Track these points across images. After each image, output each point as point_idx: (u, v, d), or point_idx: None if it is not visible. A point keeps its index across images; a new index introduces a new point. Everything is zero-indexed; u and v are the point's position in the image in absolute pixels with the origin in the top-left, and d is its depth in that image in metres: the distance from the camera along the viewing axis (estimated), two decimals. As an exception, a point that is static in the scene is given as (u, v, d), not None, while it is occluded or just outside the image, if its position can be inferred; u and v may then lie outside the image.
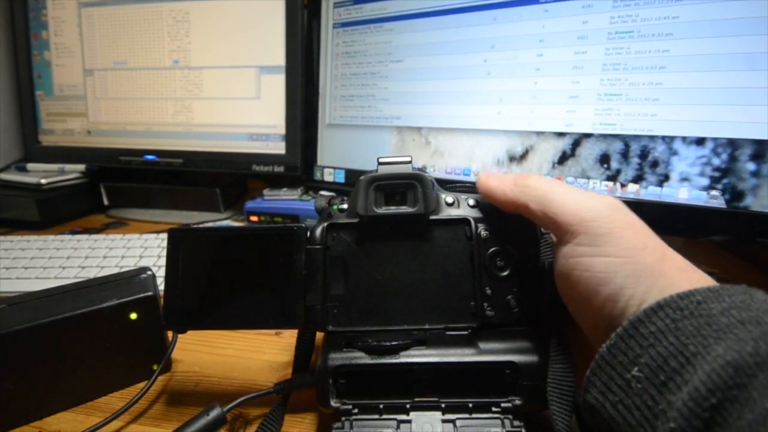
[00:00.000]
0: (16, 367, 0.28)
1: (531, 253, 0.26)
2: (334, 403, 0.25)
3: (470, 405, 0.24)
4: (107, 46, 0.73)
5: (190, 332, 0.29)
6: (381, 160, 0.27)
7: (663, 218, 0.43)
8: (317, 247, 0.26)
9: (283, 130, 0.67)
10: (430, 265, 0.26)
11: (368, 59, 0.60)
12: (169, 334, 0.34)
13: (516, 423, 0.24)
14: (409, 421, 0.24)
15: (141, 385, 0.31)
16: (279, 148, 0.67)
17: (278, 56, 0.66)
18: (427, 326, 0.25)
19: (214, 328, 0.29)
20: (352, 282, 0.26)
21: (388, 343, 0.25)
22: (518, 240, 0.26)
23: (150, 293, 0.32)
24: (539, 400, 0.23)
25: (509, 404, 0.24)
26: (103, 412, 0.30)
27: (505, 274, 0.25)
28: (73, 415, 0.30)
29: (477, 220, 0.26)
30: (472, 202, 0.27)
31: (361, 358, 0.25)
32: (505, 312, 0.25)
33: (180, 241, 0.28)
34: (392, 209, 0.26)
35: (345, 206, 0.27)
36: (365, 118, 0.61)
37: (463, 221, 0.26)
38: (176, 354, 0.35)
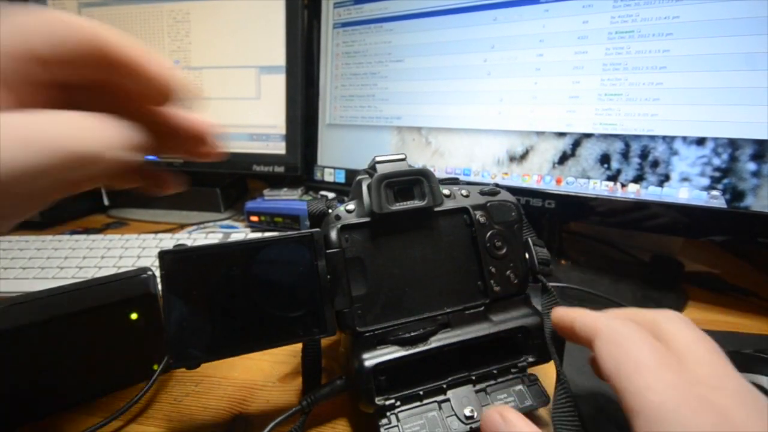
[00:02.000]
0: (15, 366, 0.28)
1: (515, 230, 0.30)
2: (379, 401, 0.25)
3: (495, 371, 0.27)
4: (107, 46, 0.72)
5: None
6: (378, 159, 0.28)
7: (663, 218, 0.43)
8: (336, 250, 0.26)
9: (283, 130, 0.67)
10: (438, 253, 0.28)
11: (368, 59, 0.60)
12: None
13: (531, 377, 0.28)
14: (447, 400, 0.26)
15: (141, 385, 0.31)
16: (279, 148, 0.67)
17: (278, 56, 0.66)
18: (447, 310, 0.27)
19: (234, 354, 0.25)
20: (372, 280, 0.26)
21: (417, 333, 0.26)
22: (504, 221, 0.29)
23: (150, 293, 0.32)
24: (545, 355, 0.28)
25: (524, 362, 0.28)
26: (103, 412, 0.30)
27: (503, 252, 0.29)
28: (74, 415, 0.30)
29: (474, 208, 0.28)
30: (464, 192, 0.30)
31: (396, 351, 0.26)
32: (508, 285, 0.29)
33: (176, 264, 0.24)
34: (405, 204, 0.27)
35: (351, 207, 0.27)
36: (365, 118, 0.61)
37: (463, 210, 0.28)
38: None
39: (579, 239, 0.65)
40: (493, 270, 0.28)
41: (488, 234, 0.28)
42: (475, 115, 0.52)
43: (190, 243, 0.39)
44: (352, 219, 0.27)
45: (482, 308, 0.28)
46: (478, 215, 0.28)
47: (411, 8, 0.55)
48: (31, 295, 0.31)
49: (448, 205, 0.28)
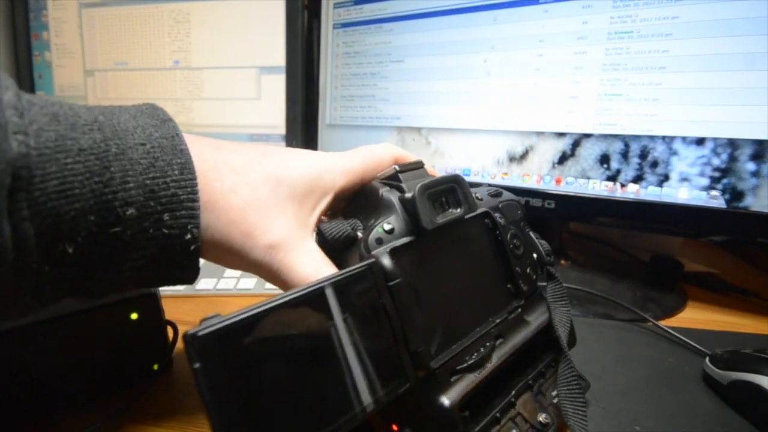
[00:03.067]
0: (15, 366, 0.28)
1: (522, 227, 0.30)
2: None
3: (543, 370, 0.27)
4: (108, 46, 0.73)
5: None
6: (399, 168, 0.26)
7: (663, 218, 0.43)
8: (398, 281, 0.21)
9: (283, 131, 0.67)
10: (472, 262, 0.26)
11: (368, 59, 0.60)
12: (170, 333, 0.34)
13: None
14: (519, 414, 0.24)
15: (141, 385, 0.31)
16: (279, 148, 0.68)
17: (279, 56, 0.66)
18: (497, 320, 0.26)
19: None
20: (426, 306, 0.23)
21: (480, 353, 0.24)
22: (514, 220, 0.29)
23: (151, 292, 0.32)
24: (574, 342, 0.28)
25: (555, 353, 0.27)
26: (103, 412, 0.30)
27: (521, 251, 0.28)
28: (73, 415, 0.30)
29: (493, 211, 0.28)
30: (479, 196, 0.28)
31: (470, 379, 0.23)
32: (531, 282, 0.28)
33: (217, 347, 0.16)
34: (448, 215, 0.24)
35: (389, 226, 0.23)
36: (365, 118, 0.61)
37: (484, 214, 0.27)
38: (177, 354, 0.35)
39: (579, 239, 0.65)
40: (518, 270, 0.27)
41: (509, 235, 0.28)
42: (475, 115, 0.52)
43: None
44: (396, 240, 0.23)
45: (519, 310, 0.27)
46: (498, 217, 0.27)
47: (411, 9, 0.55)
48: (31, 295, 0.31)
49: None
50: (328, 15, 0.64)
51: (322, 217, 0.26)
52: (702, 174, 0.40)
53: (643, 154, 0.43)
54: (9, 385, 0.28)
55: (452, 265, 0.25)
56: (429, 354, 0.22)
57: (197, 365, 0.15)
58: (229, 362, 0.16)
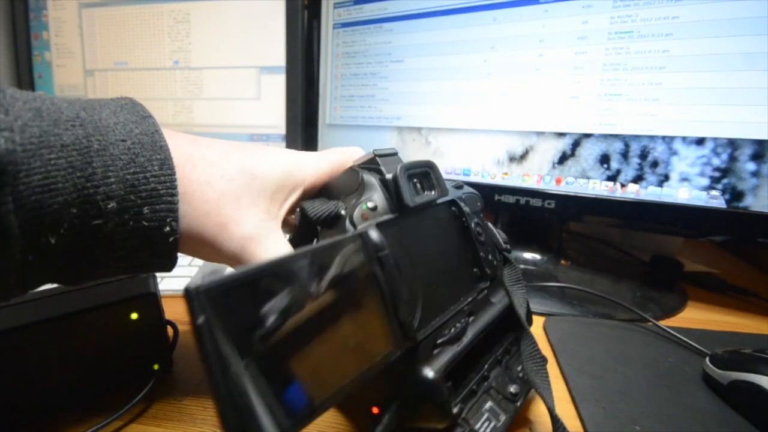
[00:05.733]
0: (15, 366, 0.28)
1: (482, 218, 0.31)
2: (455, 410, 0.23)
3: (508, 347, 0.28)
4: (108, 46, 0.73)
5: (190, 329, 0.28)
6: (378, 152, 0.27)
7: (663, 218, 0.43)
8: (387, 252, 0.22)
9: (283, 131, 0.67)
10: (445, 244, 0.28)
11: (368, 59, 0.60)
12: (170, 333, 0.34)
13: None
14: (492, 386, 0.26)
15: (141, 385, 0.31)
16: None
17: (278, 56, 0.66)
18: (469, 299, 0.28)
19: (330, 405, 0.18)
20: (407, 282, 0.24)
21: (457, 328, 0.26)
22: (475, 211, 0.31)
23: (151, 292, 0.32)
24: (519, 323, 0.29)
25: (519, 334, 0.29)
26: (103, 412, 0.30)
27: (483, 238, 0.30)
28: (74, 415, 0.30)
29: (458, 200, 0.30)
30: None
31: (450, 351, 0.24)
32: (493, 267, 0.30)
33: (223, 303, 0.15)
34: (425, 196, 0.26)
35: (372, 204, 0.24)
36: (365, 118, 0.61)
37: (451, 202, 0.29)
38: (177, 354, 0.35)
39: (579, 239, 0.65)
40: (482, 255, 0.29)
41: (473, 222, 0.30)
42: (475, 115, 0.52)
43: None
44: (381, 216, 0.24)
45: (485, 292, 0.29)
46: (463, 206, 0.30)
47: (411, 8, 0.55)
48: (30, 295, 0.31)
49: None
50: (328, 15, 0.64)
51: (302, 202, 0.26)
52: (702, 174, 0.40)
53: (643, 154, 0.43)
54: (9, 385, 0.28)
55: (429, 245, 0.27)
56: (413, 326, 0.23)
57: (200, 321, 0.14)
58: (232, 318, 0.15)
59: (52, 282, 0.21)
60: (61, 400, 0.30)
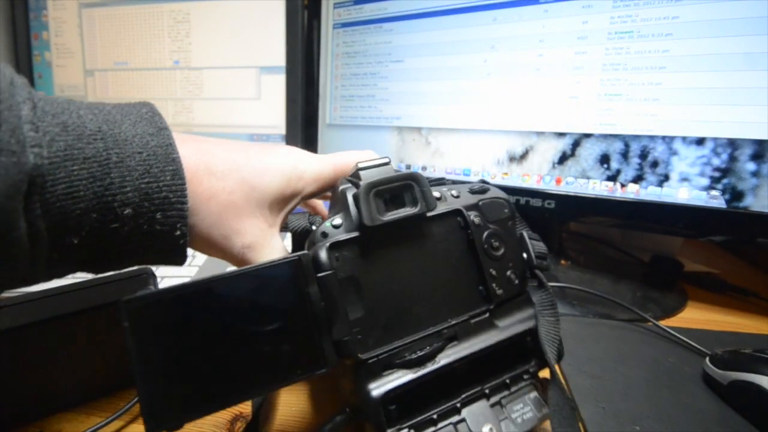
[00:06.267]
0: (15, 366, 0.28)
1: (510, 227, 0.28)
2: None
3: (507, 381, 0.25)
4: (108, 46, 0.73)
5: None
6: (361, 165, 0.26)
7: (663, 218, 0.43)
8: (329, 272, 0.23)
9: (283, 131, 0.67)
10: (436, 261, 0.26)
11: (368, 59, 0.60)
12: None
13: (545, 381, 0.26)
14: (463, 420, 0.24)
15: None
16: (279, 148, 0.68)
17: (278, 56, 0.66)
18: (453, 322, 0.25)
19: (226, 405, 0.22)
20: (369, 300, 0.24)
21: (424, 352, 0.24)
22: (498, 219, 0.28)
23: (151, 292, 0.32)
24: (542, 356, 0.26)
25: (536, 367, 0.26)
26: (103, 412, 0.30)
27: (501, 252, 0.27)
28: (74, 415, 0.30)
29: (467, 209, 0.27)
30: (455, 193, 0.28)
31: (404, 375, 0.24)
32: (510, 287, 0.27)
33: (145, 313, 0.20)
34: (397, 213, 0.24)
35: (338, 221, 0.25)
36: (365, 118, 0.61)
37: (456, 212, 0.27)
38: (176, 354, 0.35)
39: (579, 239, 0.65)
40: (493, 272, 0.26)
41: (485, 235, 0.27)
42: (475, 115, 0.52)
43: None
44: (341, 235, 0.24)
45: (487, 315, 0.26)
46: (472, 216, 0.27)
47: (411, 8, 0.55)
48: (30, 295, 0.31)
49: (440, 208, 0.26)
50: (328, 15, 0.64)
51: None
52: (702, 174, 0.40)
53: (643, 154, 0.43)
54: (9, 385, 0.28)
55: (405, 263, 0.25)
56: (357, 344, 0.23)
57: (126, 325, 0.19)
58: (154, 324, 0.20)
59: (76, 272, 0.23)
60: (61, 400, 0.30)
